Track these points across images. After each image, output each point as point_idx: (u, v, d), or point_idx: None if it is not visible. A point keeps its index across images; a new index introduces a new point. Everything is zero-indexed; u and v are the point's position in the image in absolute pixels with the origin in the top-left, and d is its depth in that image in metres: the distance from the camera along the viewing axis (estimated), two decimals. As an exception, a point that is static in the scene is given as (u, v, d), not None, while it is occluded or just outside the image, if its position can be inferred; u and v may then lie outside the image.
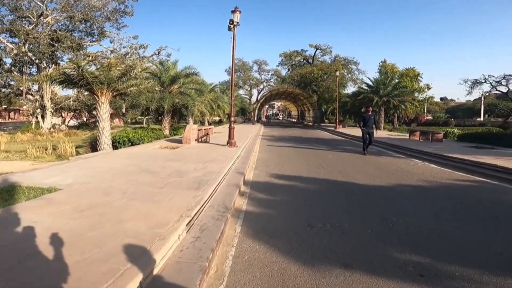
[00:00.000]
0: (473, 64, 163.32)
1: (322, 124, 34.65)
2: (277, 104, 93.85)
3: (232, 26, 10.54)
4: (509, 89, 30.27)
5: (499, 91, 32.50)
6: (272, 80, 57.19)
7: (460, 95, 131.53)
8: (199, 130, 11.64)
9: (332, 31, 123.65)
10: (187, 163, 6.72)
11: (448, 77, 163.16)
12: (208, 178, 5.24)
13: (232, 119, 10.17)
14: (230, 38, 10.76)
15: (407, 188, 5.46)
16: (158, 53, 21.76)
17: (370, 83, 26.07)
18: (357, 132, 20.34)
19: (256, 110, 40.21)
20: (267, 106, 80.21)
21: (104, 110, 9.41)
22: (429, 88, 26.10)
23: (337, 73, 25.85)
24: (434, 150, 9.73)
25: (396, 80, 25.39)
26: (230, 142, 9.88)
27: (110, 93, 9.46)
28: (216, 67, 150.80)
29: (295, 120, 58.73)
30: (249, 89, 58.18)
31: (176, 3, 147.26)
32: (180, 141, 11.12)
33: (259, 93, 56.43)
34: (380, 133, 19.87)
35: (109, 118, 9.59)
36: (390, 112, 26.65)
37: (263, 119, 57.30)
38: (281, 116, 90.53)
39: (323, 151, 10.59)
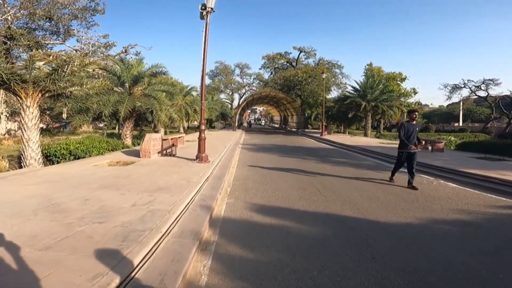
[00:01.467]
0: (446, 70, 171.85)
1: (306, 130, 33.21)
2: (260, 109, 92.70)
3: (205, 12, 8.62)
4: (488, 94, 30.56)
5: (478, 95, 32.89)
6: (254, 84, 55.65)
7: (434, 100, 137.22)
8: (164, 140, 9.50)
9: (315, 34, 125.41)
10: (128, 192, 4.62)
11: (421, 83, 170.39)
12: (147, 225, 3.21)
13: (202, 127, 7.88)
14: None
15: (446, 228, 3.75)
16: (125, 51, 19.30)
17: (357, 86, 24.82)
18: (345, 140, 18.82)
19: (237, 115, 38.13)
20: (249, 111, 78.71)
21: (30, 115, 7.09)
22: (415, 93, 25.44)
23: (323, 75, 24.32)
24: (444, 164, 8.27)
25: (382, 86, 24.45)
26: (200, 157, 7.74)
27: (39, 95, 7.16)
28: (198, 70, 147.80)
29: (278, 126, 57.39)
30: (230, 93, 56.37)
31: (157, 4, 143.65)
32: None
33: (241, 97, 54.59)
34: (370, 141, 18.50)
35: (37, 126, 7.27)
36: (376, 118, 25.65)
37: (245, 124, 55.35)
38: (263, 121, 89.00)
39: (315, 167, 8.76)
